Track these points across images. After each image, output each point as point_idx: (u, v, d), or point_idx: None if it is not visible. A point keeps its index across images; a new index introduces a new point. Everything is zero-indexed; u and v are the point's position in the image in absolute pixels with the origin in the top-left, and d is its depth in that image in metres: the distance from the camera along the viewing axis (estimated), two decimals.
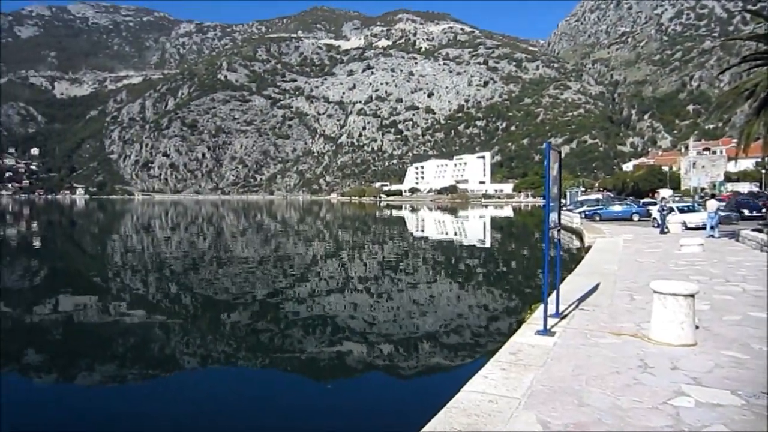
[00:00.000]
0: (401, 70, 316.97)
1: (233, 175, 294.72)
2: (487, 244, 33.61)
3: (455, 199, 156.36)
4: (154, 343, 10.98)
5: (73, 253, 30.16)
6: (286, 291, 16.59)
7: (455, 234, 42.65)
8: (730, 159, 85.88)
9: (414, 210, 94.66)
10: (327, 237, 39.68)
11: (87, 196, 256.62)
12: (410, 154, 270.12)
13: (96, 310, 13.94)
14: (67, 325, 12.25)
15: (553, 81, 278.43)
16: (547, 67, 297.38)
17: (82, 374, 9.15)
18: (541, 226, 13.73)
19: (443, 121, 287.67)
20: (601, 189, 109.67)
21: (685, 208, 30.66)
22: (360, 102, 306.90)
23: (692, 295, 6.43)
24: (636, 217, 37.85)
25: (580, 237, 28.00)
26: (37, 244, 34.52)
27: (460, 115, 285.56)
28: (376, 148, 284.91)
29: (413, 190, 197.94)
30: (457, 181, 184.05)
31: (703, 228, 24.02)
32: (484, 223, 57.30)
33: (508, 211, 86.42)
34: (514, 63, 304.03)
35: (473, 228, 50.85)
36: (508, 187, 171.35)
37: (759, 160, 65.25)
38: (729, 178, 78.51)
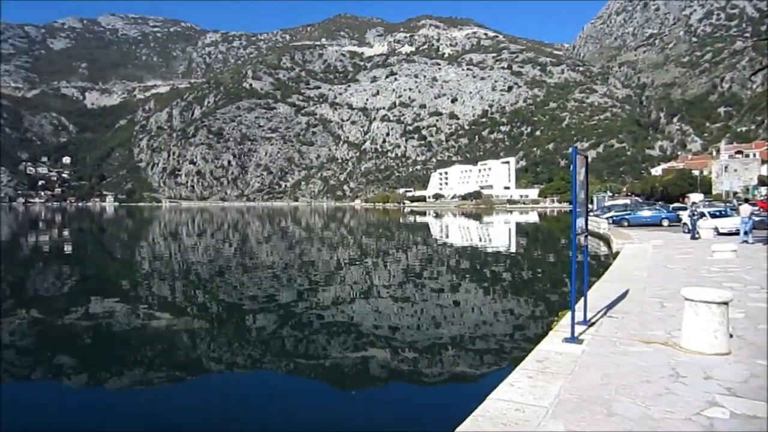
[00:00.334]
0: (424, 76, 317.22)
1: (258, 182, 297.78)
2: (513, 250, 33.30)
3: (480, 205, 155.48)
4: (180, 347, 11.10)
5: (103, 259, 30.73)
6: (310, 297, 16.64)
7: (480, 240, 42.36)
8: (763, 162, 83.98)
9: (438, 216, 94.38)
10: (351, 243, 39.76)
11: (116, 204, 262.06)
12: (434, 159, 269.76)
13: (124, 314, 14.16)
14: (97, 329, 12.45)
15: (578, 85, 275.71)
16: (573, 70, 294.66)
17: (111, 377, 9.28)
18: (568, 232, 13.54)
19: (467, 127, 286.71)
20: (629, 194, 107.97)
21: (717, 213, 29.92)
22: (383, 108, 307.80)
23: (726, 303, 6.25)
24: (665, 223, 37.16)
25: (608, 243, 27.59)
26: (68, 249, 35.30)
27: (484, 120, 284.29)
28: (399, 154, 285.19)
29: (437, 196, 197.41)
30: (482, 187, 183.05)
31: (736, 233, 23.47)
32: (509, 229, 56.84)
33: (533, 217, 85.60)
34: (538, 67, 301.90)
35: (498, 234, 50.48)
36: (533, 193, 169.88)
37: None
38: (763, 181, 76.50)
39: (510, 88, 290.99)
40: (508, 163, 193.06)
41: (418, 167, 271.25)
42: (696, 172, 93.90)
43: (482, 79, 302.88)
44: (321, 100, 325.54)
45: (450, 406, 7.64)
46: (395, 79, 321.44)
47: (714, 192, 78.95)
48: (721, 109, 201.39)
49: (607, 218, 38.51)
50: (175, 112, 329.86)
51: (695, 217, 26.03)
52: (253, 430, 7.20)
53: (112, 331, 12.47)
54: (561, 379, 5.53)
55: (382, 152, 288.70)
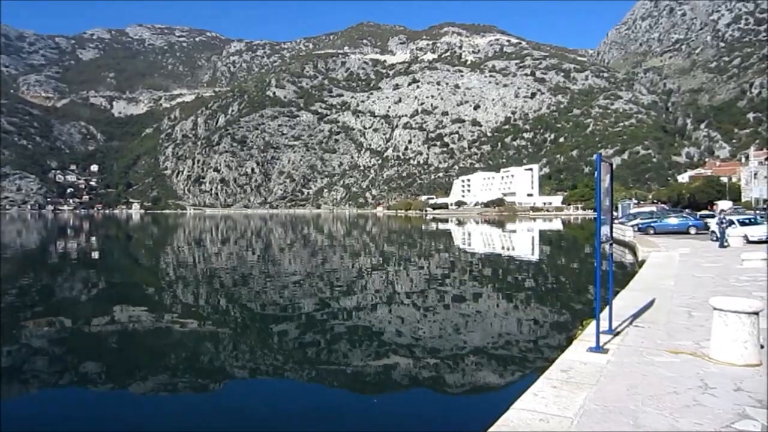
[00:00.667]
0: (447, 83, 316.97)
1: (281, 190, 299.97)
2: (536, 258, 33.00)
3: (502, 212, 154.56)
4: (203, 353, 11.20)
5: (129, 265, 31.24)
6: (333, 304, 16.68)
7: (502, 247, 42.07)
8: None
9: (460, 223, 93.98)
10: (373, 250, 39.80)
11: (142, 211, 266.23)
12: (456, 167, 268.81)
13: (149, 320, 14.37)
14: (122, 335, 12.65)
15: (603, 91, 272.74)
16: (597, 77, 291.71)
17: (135, 383, 9.41)
18: (592, 240, 13.38)
19: (490, 134, 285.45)
20: (655, 201, 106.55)
21: (747, 221, 29.30)
22: (406, 115, 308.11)
23: (756, 313, 6.12)
24: (693, 231, 36.53)
25: (633, 251, 27.19)
26: (95, 256, 35.96)
27: (506, 127, 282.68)
28: (421, 162, 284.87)
29: (459, 203, 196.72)
30: (504, 194, 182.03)
31: (767, 242, 22.94)
32: (533, 237, 56.35)
33: (557, 224, 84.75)
34: (562, 73, 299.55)
35: (521, 241, 50.07)
36: (557, 200, 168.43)
37: None
38: None
39: (533, 95, 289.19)
40: (531, 170, 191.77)
41: (441, 174, 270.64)
42: (724, 179, 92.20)
43: (505, 85, 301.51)
44: (343, 107, 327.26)
45: (473, 415, 7.59)
46: (417, 87, 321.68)
47: (743, 199, 77.41)
48: (750, 115, 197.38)
49: (632, 226, 37.99)
50: (200, 120, 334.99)
51: (724, 225, 25.55)
52: None
53: (137, 337, 12.67)
54: (586, 390, 5.45)
55: (404, 159, 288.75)
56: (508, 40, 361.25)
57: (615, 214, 47.16)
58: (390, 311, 15.60)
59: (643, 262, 20.01)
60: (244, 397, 8.77)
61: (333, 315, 14.91)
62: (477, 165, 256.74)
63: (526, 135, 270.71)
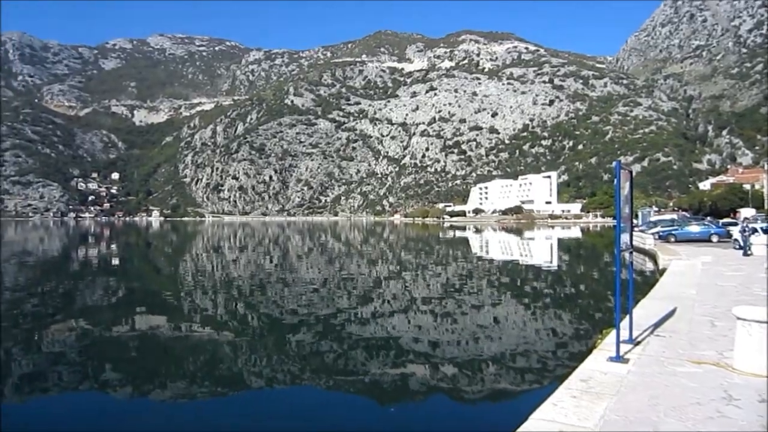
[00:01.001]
0: (464, 91, 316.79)
1: (299, 197, 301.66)
2: (554, 266, 32.71)
3: (520, 220, 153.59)
4: (221, 360, 11.27)
5: (148, 272, 31.60)
6: (350, 311, 16.68)
7: (521, 255, 41.78)
8: None
9: (478, 231, 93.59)
10: (390, 258, 39.77)
11: (161, 218, 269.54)
12: (474, 174, 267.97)
13: (167, 327, 14.50)
14: (141, 341, 12.77)
15: (622, 98, 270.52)
16: (616, 83, 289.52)
17: (154, 389, 9.49)
18: (611, 248, 13.24)
19: (507, 141, 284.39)
20: (676, 208, 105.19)
21: None
22: (423, 123, 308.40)
23: None
24: (715, 239, 35.96)
25: (654, 259, 26.83)
26: (116, 263, 36.43)
27: (524, 134, 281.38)
28: (439, 169, 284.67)
29: (477, 211, 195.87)
30: (522, 202, 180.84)
31: None
32: (551, 244, 55.88)
33: (576, 232, 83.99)
34: (580, 81, 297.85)
35: (539, 249, 49.68)
36: (575, 208, 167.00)
37: None
38: None
39: (551, 102, 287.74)
40: (549, 177, 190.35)
41: (458, 182, 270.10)
42: (747, 186, 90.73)
43: (523, 93, 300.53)
44: (361, 115, 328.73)
45: (491, 424, 7.52)
46: (435, 94, 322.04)
47: (766, 206, 76.09)
48: None
49: (652, 234, 37.51)
50: (219, 128, 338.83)
51: (747, 233, 25.11)
52: None
53: (155, 343, 12.79)
54: (606, 400, 5.37)
55: (421, 167, 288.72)
56: (526, 48, 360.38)
57: (635, 221, 46.62)
58: (407, 319, 15.56)
59: (663, 270, 19.73)
60: (262, 405, 8.80)
61: (350, 322, 14.91)
62: (495, 172, 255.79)
63: (544, 142, 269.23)
